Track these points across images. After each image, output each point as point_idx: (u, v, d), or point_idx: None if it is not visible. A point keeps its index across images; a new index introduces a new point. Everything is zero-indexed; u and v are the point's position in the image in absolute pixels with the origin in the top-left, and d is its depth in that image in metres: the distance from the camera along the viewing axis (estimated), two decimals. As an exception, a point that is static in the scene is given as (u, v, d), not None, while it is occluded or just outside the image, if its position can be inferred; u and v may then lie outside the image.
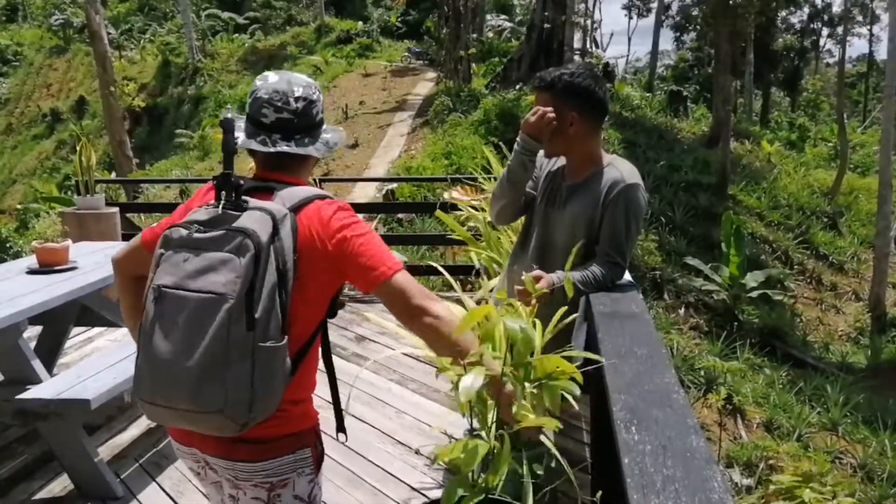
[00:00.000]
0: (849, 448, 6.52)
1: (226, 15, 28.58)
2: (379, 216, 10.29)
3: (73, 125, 25.17)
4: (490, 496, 1.51)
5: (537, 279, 2.01)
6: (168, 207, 10.55)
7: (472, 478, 1.51)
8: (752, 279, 10.05)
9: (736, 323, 9.53)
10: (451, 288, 7.79)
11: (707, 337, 9.10)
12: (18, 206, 11.78)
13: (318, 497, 1.51)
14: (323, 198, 1.44)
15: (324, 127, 1.54)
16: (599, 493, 1.58)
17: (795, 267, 12.52)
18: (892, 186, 12.33)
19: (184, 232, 1.31)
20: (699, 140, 17.34)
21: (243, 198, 1.35)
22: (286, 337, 1.30)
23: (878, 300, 11.12)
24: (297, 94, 1.45)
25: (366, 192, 11.53)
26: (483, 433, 1.52)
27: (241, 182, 1.36)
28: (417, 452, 3.06)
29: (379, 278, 1.39)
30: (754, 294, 10.01)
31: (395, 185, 10.98)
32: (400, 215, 10.38)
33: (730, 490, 1.12)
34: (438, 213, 3.66)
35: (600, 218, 2.13)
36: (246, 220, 1.29)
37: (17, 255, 9.40)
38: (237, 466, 1.40)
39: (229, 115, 1.42)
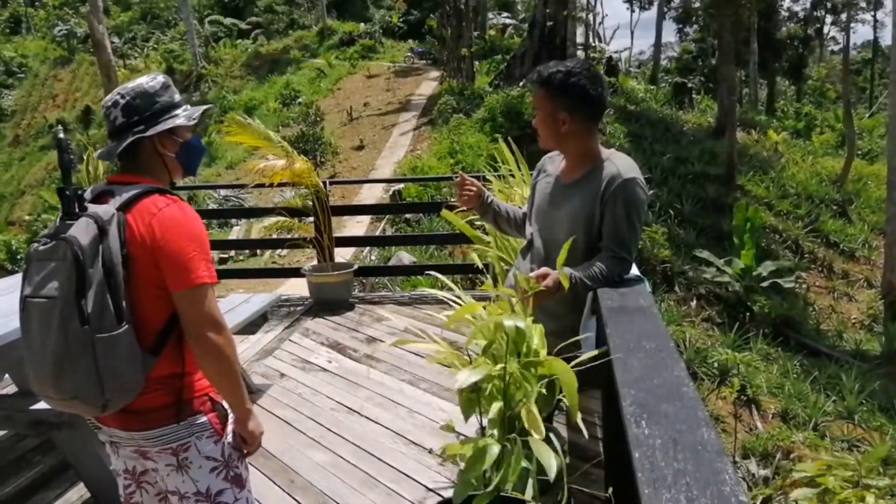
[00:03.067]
0: (865, 436, 6.47)
1: (228, 21, 28.70)
2: (387, 217, 10.34)
3: (79, 135, 25.34)
4: (502, 494, 1.52)
5: (544, 276, 2.02)
6: None
7: (484, 476, 1.52)
8: (764, 269, 10.01)
9: (748, 314, 9.49)
10: (464, 287, 7.81)
11: (719, 328, 9.06)
12: (28, 217, 11.89)
13: (232, 455, 1.63)
14: (152, 193, 1.52)
15: (163, 118, 1.58)
16: (611, 490, 1.58)
17: (806, 256, 12.45)
18: (901, 172, 12.21)
19: (34, 246, 1.51)
20: (705, 131, 17.26)
21: (86, 205, 1.50)
22: (125, 326, 1.45)
23: (890, 286, 11.03)
24: (113, 100, 1.58)
25: (373, 193, 11.56)
26: (495, 431, 1.52)
27: (80, 192, 1.51)
28: (431, 452, 3.04)
29: (177, 286, 1.48)
30: (766, 284, 9.96)
31: (401, 185, 11.00)
32: (407, 216, 10.41)
33: (742, 482, 1.11)
34: (444, 213, 3.65)
35: (600, 214, 2.13)
36: (73, 228, 1.46)
37: (3, 267, 9.48)
38: (134, 436, 1.58)
39: (61, 136, 1.64)
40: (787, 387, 7.24)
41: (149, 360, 1.50)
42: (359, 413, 3.46)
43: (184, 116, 1.61)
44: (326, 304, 5.17)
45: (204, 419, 1.58)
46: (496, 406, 1.76)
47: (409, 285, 7.71)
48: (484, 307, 2.05)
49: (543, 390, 1.50)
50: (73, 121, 26.30)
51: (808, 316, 10.43)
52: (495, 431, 1.51)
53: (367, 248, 9.21)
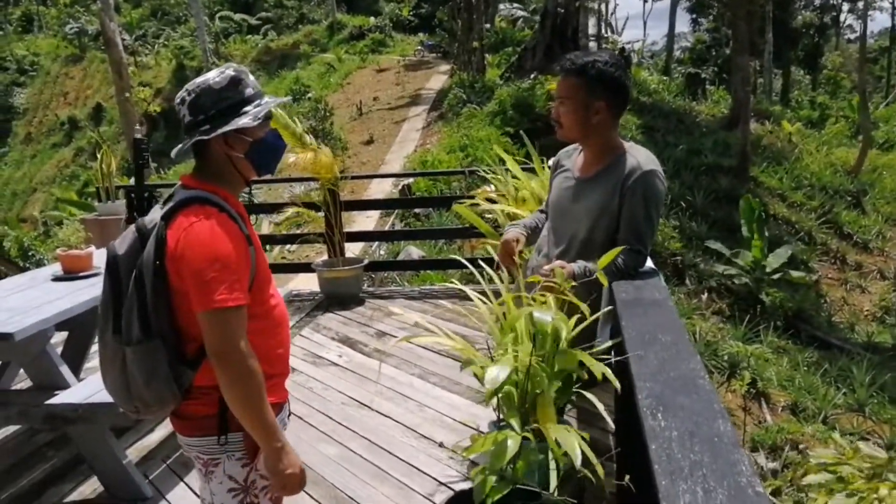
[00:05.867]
0: (876, 428, 6.44)
1: (238, 16, 28.78)
2: (396, 211, 10.37)
3: (91, 132, 25.57)
4: (518, 486, 1.55)
5: (560, 269, 2.05)
6: None
7: (502, 469, 1.55)
8: (775, 259, 9.94)
9: (759, 306, 9.43)
10: (470, 281, 7.82)
11: (730, 321, 9.02)
12: (38, 214, 12.07)
13: (256, 483, 1.57)
14: (193, 203, 1.46)
15: (240, 112, 1.50)
16: (627, 477, 1.60)
17: (819, 247, 12.33)
18: (917, 162, 12.04)
19: None
20: (719, 122, 17.10)
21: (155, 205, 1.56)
22: (154, 340, 1.44)
23: (905, 279, 10.91)
24: (181, 97, 1.53)
25: (382, 188, 11.58)
26: (514, 423, 1.55)
27: (146, 195, 1.50)
28: (441, 445, 3.07)
29: (197, 307, 1.43)
30: (777, 276, 9.89)
31: (411, 180, 11.02)
32: (417, 210, 10.43)
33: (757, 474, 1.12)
34: (457, 207, 3.67)
35: (619, 206, 2.14)
36: (119, 237, 1.51)
37: (39, 264, 9.58)
38: (179, 438, 1.61)
39: (138, 136, 1.55)
40: (797, 379, 7.20)
41: (186, 372, 1.48)
42: (369, 407, 3.50)
43: (251, 115, 1.49)
44: (337, 298, 5.22)
45: (239, 437, 1.53)
46: (513, 397, 1.79)
47: (418, 280, 7.74)
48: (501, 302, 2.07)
49: (561, 383, 1.53)
50: (85, 118, 26.54)
51: (821, 308, 10.35)
52: (514, 422, 1.53)
53: (376, 242, 9.24)
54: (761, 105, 21.19)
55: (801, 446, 5.48)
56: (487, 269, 2.52)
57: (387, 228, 9.92)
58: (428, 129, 14.88)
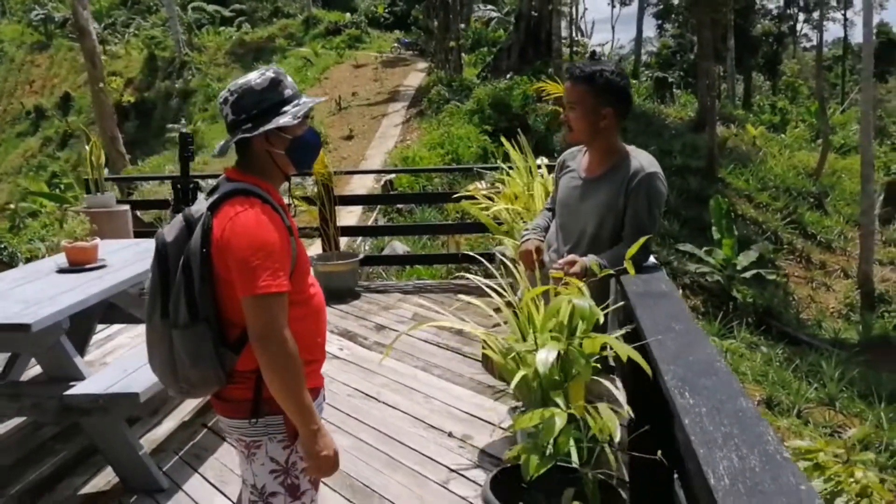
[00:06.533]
0: (846, 422, 6.67)
1: (211, 8, 28.28)
2: (378, 207, 10.43)
3: (58, 122, 24.83)
4: (558, 463, 1.66)
5: (571, 263, 2.19)
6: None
7: (544, 445, 1.66)
8: (745, 258, 10.31)
9: (731, 303, 9.77)
10: (457, 275, 7.90)
11: (704, 318, 9.32)
12: (11, 206, 11.68)
13: (296, 465, 1.63)
14: (237, 195, 1.54)
15: (280, 112, 1.57)
16: (660, 452, 1.72)
17: (785, 247, 12.82)
18: (873, 166, 12.61)
19: None
20: (686, 125, 17.57)
21: (199, 195, 1.66)
22: (200, 323, 1.51)
23: (865, 277, 11.42)
24: (224, 97, 1.61)
25: (364, 183, 11.59)
26: (559, 401, 1.66)
27: (191, 186, 1.58)
28: (451, 435, 3.14)
29: (241, 292, 1.50)
30: (748, 274, 10.26)
31: (392, 175, 11.08)
32: (399, 206, 10.51)
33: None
34: (465, 203, 3.78)
35: (624, 205, 2.29)
36: (167, 225, 1.59)
37: (11, 257, 9.29)
38: (221, 420, 1.67)
39: (184, 131, 1.66)
40: (770, 374, 7.45)
41: (229, 355, 1.55)
42: (376, 399, 3.55)
43: (291, 114, 1.57)
44: (333, 292, 5.22)
45: (280, 420, 1.58)
46: (529, 383, 1.90)
47: (406, 275, 7.81)
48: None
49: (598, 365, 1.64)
50: (52, 107, 25.75)
51: (789, 305, 10.77)
52: (559, 400, 1.64)
53: (360, 237, 9.28)
54: (726, 109, 21.83)
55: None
56: (486, 262, 2.62)
57: (370, 223, 9.96)
58: (408, 125, 14.94)
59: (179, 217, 1.59)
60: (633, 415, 1.60)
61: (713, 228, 10.46)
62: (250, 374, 1.57)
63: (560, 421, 1.60)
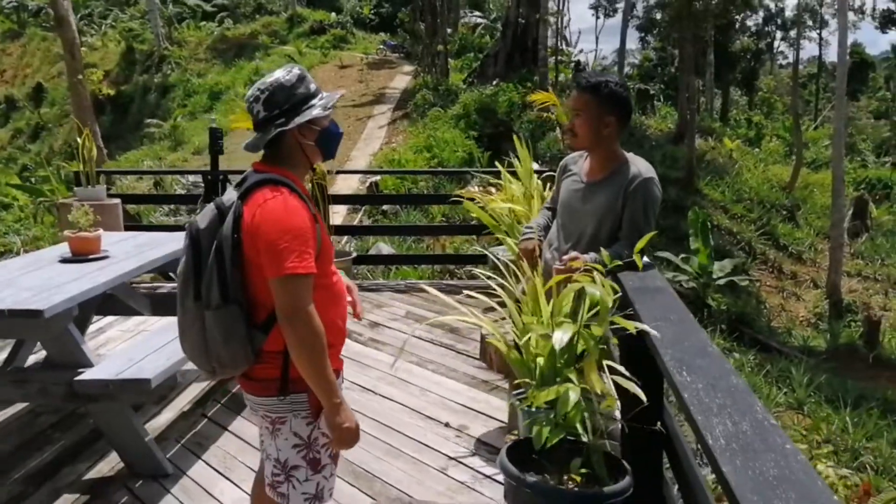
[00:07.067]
0: (814, 426, 6.97)
1: (192, 1, 27.98)
2: (364, 207, 10.49)
3: (30, 113, 24.28)
4: (567, 436, 1.78)
5: (574, 260, 2.31)
6: (168, 199, 10.36)
7: (554, 417, 1.77)
8: (720, 269, 10.60)
9: (706, 310, 10.04)
10: (451, 275, 8.00)
11: (680, 324, 9.53)
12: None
13: (318, 440, 1.73)
14: (266, 184, 1.64)
15: (301, 110, 1.67)
16: (659, 423, 1.85)
17: (758, 257, 13.19)
18: (844, 181, 13.06)
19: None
20: (666, 137, 17.96)
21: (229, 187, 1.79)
22: (231, 305, 1.60)
23: (834, 287, 11.82)
24: (254, 95, 1.69)
25: (349, 184, 11.63)
26: (572, 377, 1.77)
27: (221, 178, 1.68)
28: (448, 426, 3.24)
29: (270, 274, 1.59)
30: (722, 281, 10.56)
31: (377, 177, 11.15)
32: (385, 207, 10.58)
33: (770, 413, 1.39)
34: (467, 204, 3.88)
35: (622, 207, 2.44)
36: (199, 214, 1.69)
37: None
38: (249, 398, 1.77)
39: (214, 125, 1.78)
40: (743, 379, 7.69)
41: (258, 336, 1.65)
42: (373, 391, 3.64)
43: (320, 106, 1.68)
44: (325, 289, 5.30)
45: (304, 398, 1.68)
46: (528, 365, 2.01)
47: (392, 276, 7.88)
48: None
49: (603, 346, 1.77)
50: (23, 98, 25.16)
51: (761, 313, 11.09)
52: (573, 376, 1.75)
53: (346, 237, 9.33)
54: (704, 122, 22.35)
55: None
56: (476, 263, 2.75)
57: (355, 224, 10.01)
58: (393, 127, 15.00)
59: (211, 206, 1.68)
60: (643, 397, 1.72)
61: (691, 238, 10.75)
62: (277, 355, 1.65)
63: (574, 395, 1.72)
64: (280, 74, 1.69)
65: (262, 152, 1.74)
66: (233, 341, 1.62)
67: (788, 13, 36.30)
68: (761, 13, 34.12)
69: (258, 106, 1.67)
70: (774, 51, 40.24)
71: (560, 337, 1.74)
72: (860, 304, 12.18)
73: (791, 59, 36.43)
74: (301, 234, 1.58)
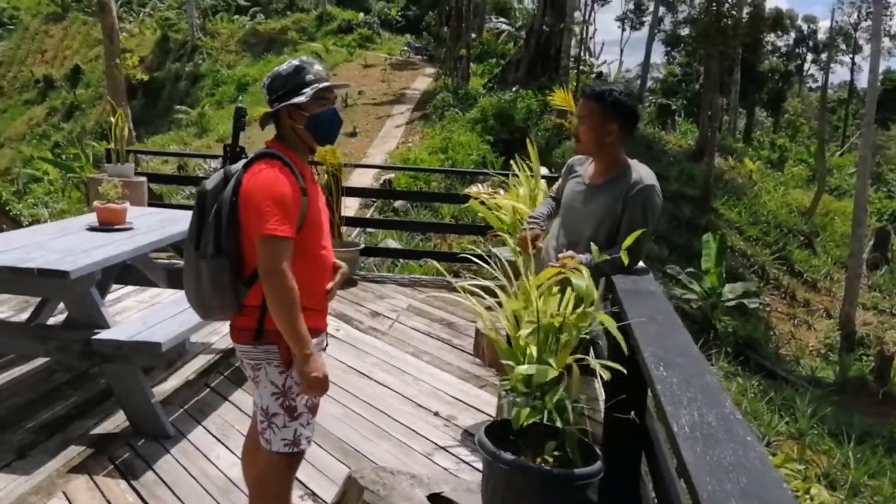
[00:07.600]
0: (814, 458, 6.74)
1: (227, -5, 28.50)
2: (375, 203, 10.71)
3: (66, 93, 24.86)
4: (544, 423, 1.87)
5: (569, 259, 2.41)
6: (190, 181, 10.66)
7: (534, 398, 1.87)
8: (730, 290, 10.52)
9: (713, 332, 9.95)
10: (456, 275, 8.12)
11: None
12: (16, 170, 11.81)
13: (293, 388, 1.90)
14: (263, 157, 1.87)
15: (300, 93, 1.87)
16: (633, 412, 1.94)
17: (771, 282, 13.05)
18: (866, 210, 12.90)
19: None
20: (685, 153, 17.89)
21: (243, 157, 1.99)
22: (222, 258, 1.82)
23: (848, 319, 11.63)
24: (264, 81, 1.96)
25: (363, 181, 11.81)
26: (552, 361, 1.87)
27: (237, 151, 1.87)
28: (437, 415, 3.35)
29: (253, 234, 1.81)
30: (731, 304, 10.46)
31: (392, 174, 11.33)
32: (396, 204, 10.75)
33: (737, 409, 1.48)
34: (474, 203, 4.00)
35: (621, 212, 2.51)
36: (210, 178, 1.93)
37: (15, 219, 9.43)
38: (235, 346, 1.98)
39: (241, 105, 2.00)
40: (744, 405, 7.53)
41: (243, 289, 1.88)
42: (368, 376, 3.76)
43: (305, 95, 1.86)
44: (332, 279, 5.44)
45: (276, 350, 1.87)
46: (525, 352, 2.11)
47: (398, 271, 8.02)
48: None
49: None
50: (61, 78, 25.80)
51: (769, 339, 10.95)
52: (552, 360, 1.85)
53: (356, 230, 9.52)
54: (725, 141, 22.22)
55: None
56: (485, 262, 2.85)
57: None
58: (411, 127, 15.17)
59: (220, 172, 1.93)
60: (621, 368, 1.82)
61: (703, 258, 10.68)
62: (255, 308, 1.88)
63: (553, 372, 1.83)
64: (283, 66, 1.92)
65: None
66: (220, 288, 1.84)
67: (821, 35, 35.96)
68: (793, 34, 33.84)
69: (265, 90, 1.94)
70: (804, 73, 39.84)
71: (581, 283, 1.89)
72: (874, 338, 11.94)
73: (821, 83, 36.05)
74: (282, 201, 1.79)
